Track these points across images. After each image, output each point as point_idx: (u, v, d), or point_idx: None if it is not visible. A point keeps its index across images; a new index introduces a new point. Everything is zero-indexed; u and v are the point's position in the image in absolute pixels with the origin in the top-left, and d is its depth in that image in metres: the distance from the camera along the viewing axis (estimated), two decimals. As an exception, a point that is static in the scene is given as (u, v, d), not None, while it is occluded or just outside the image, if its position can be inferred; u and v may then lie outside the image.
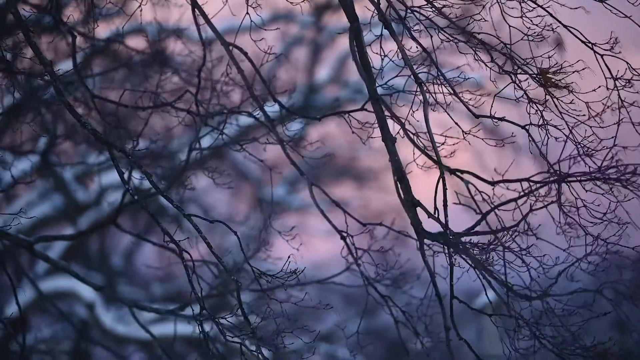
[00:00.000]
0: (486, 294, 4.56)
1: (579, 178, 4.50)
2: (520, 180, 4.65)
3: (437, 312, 4.94)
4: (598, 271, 4.54)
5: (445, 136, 4.89)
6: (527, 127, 4.80)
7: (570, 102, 4.72)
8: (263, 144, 6.05)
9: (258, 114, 5.80)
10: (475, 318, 11.62)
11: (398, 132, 4.89)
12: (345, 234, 5.64)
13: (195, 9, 5.56)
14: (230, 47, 5.66)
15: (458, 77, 4.92)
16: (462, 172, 4.76)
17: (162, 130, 7.59)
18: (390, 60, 4.92)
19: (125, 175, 5.60)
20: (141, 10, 5.66)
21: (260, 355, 4.96)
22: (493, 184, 4.69)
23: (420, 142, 4.91)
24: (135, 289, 10.89)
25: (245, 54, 5.62)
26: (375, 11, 5.00)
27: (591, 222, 4.44)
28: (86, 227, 9.89)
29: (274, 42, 11.42)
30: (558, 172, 4.54)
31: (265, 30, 5.49)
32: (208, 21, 5.54)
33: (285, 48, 11.89)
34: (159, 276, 10.80)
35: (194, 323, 5.97)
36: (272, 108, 5.83)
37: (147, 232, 9.85)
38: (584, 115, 4.64)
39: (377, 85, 4.93)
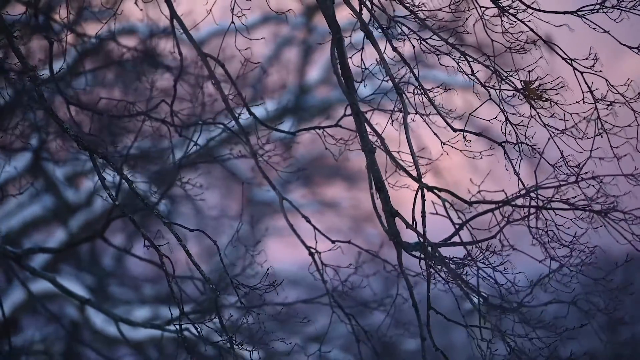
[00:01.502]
0: (458, 306, 4.58)
1: (558, 207, 4.52)
2: (496, 202, 4.66)
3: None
4: (571, 284, 4.56)
5: (421, 155, 4.88)
6: (503, 144, 4.81)
7: (553, 115, 4.73)
8: (236, 158, 6.05)
9: (233, 126, 5.79)
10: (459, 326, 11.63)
11: (376, 141, 4.89)
12: (313, 250, 5.63)
13: (174, 19, 5.55)
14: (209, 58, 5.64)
15: (439, 86, 4.93)
16: (440, 190, 4.77)
17: (151, 132, 7.59)
18: (371, 73, 4.92)
19: (112, 180, 5.61)
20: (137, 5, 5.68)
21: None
22: (470, 204, 4.71)
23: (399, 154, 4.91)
24: (126, 290, 10.89)
25: (222, 65, 5.62)
26: (358, 21, 5.00)
27: (563, 245, 4.46)
28: (76, 231, 9.89)
29: (265, 43, 11.41)
30: (536, 190, 4.55)
31: (250, 39, 5.47)
32: (186, 32, 5.53)
33: (276, 49, 11.89)
34: (150, 277, 10.81)
35: (174, 328, 6.01)
36: (257, 118, 5.82)
37: (136, 236, 9.86)
38: (565, 128, 4.66)
39: (357, 97, 4.93)
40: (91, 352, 9.64)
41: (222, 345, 5.09)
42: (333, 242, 5.67)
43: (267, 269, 4.86)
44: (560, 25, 4.67)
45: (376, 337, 5.81)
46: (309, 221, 5.70)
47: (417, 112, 4.92)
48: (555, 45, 4.68)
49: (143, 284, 10.74)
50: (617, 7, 4.64)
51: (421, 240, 4.64)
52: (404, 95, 4.90)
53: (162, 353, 8.61)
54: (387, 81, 4.98)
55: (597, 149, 4.60)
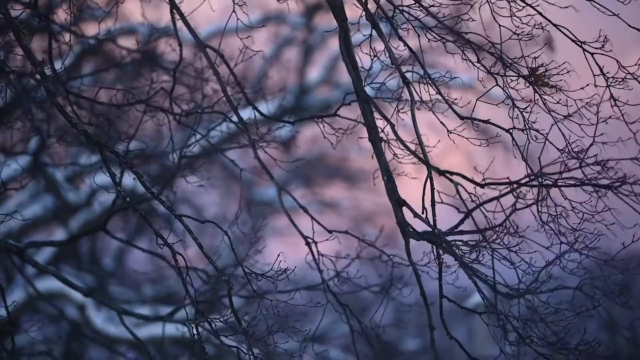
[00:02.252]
0: (480, 293, 4.56)
1: (564, 183, 4.52)
2: (506, 183, 4.66)
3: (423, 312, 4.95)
4: (579, 269, 4.57)
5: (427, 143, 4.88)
6: (510, 130, 4.82)
7: (559, 101, 4.74)
8: (238, 147, 6.05)
9: (232, 116, 5.79)
10: (464, 319, 11.64)
11: (383, 130, 4.89)
12: (310, 240, 5.62)
13: (174, 10, 5.56)
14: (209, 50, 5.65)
15: (444, 76, 4.93)
16: (451, 173, 4.78)
17: (152, 130, 7.60)
18: (380, 60, 4.92)
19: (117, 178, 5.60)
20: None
21: (252, 356, 4.96)
22: (482, 185, 4.70)
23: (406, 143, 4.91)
24: (126, 290, 10.88)
25: (222, 56, 5.62)
26: (364, 12, 5.01)
27: (571, 228, 4.47)
28: (76, 230, 9.88)
29: (265, 43, 11.43)
30: (541, 175, 4.55)
31: (252, 28, 5.48)
32: (186, 23, 5.54)
33: (276, 49, 11.91)
34: (149, 277, 10.80)
35: (182, 326, 5.99)
36: (257, 108, 5.83)
37: (137, 234, 9.84)
38: (569, 114, 4.66)
39: (365, 84, 4.94)
40: (92, 351, 9.63)
41: (236, 339, 5.07)
42: (330, 232, 5.67)
43: (278, 255, 4.84)
44: (567, 7, 4.66)
45: (373, 328, 5.79)
46: (307, 211, 5.70)
47: (422, 101, 4.92)
48: (564, 27, 4.68)
49: (143, 284, 10.73)
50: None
51: (431, 227, 4.63)
52: (410, 84, 4.90)
53: (162, 352, 8.58)
54: (392, 73, 4.98)
55: (601, 134, 4.61)
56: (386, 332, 6.08)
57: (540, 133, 4.70)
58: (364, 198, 13.22)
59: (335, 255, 5.79)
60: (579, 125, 4.64)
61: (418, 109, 4.86)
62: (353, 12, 5.28)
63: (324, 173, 13.06)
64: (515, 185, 4.59)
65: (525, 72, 4.74)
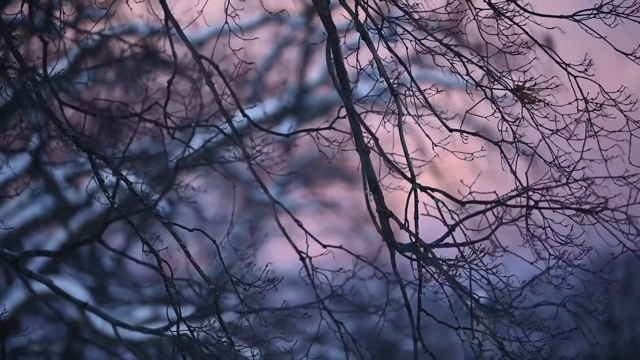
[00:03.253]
0: (451, 308, 4.59)
1: (549, 206, 4.53)
2: (490, 202, 4.67)
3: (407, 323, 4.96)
4: (563, 285, 4.58)
5: (416, 155, 4.89)
6: (499, 143, 4.82)
7: (546, 116, 4.74)
8: (230, 161, 6.06)
9: (226, 129, 5.79)
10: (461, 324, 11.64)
11: (369, 141, 4.90)
12: (304, 255, 5.63)
13: (168, 20, 5.56)
14: (205, 61, 5.65)
15: (430, 88, 4.94)
16: (433, 190, 4.78)
17: (149, 136, 7.60)
18: (366, 73, 4.93)
19: (109, 181, 5.61)
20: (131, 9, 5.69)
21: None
22: (463, 204, 4.72)
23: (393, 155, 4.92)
24: (126, 290, 10.89)
25: (216, 67, 5.62)
26: (353, 22, 5.02)
27: (557, 243, 4.48)
28: (76, 231, 9.89)
29: (265, 44, 11.41)
30: (527, 189, 4.56)
31: (245, 40, 5.48)
32: (180, 33, 5.55)
33: (276, 49, 11.89)
34: (150, 278, 10.81)
35: (172, 335, 6.00)
36: (251, 120, 5.82)
37: (135, 238, 9.86)
38: (556, 129, 4.67)
39: (352, 97, 4.95)
40: (92, 351, 9.66)
41: (222, 346, 5.08)
42: (324, 246, 5.66)
43: (267, 265, 4.85)
44: (553, 28, 4.68)
45: (367, 344, 5.81)
46: (300, 225, 5.69)
47: (409, 114, 4.93)
48: (550, 49, 4.69)
49: (143, 285, 10.74)
50: (614, 12, 4.65)
51: (413, 240, 4.65)
52: (398, 96, 4.91)
53: (161, 354, 8.61)
54: (382, 82, 5.00)
55: (588, 150, 4.63)
56: (382, 340, 6.08)
57: (529, 146, 4.72)
58: (364, 198, 13.18)
59: (331, 271, 5.78)
60: (567, 140, 4.66)
61: (404, 122, 4.86)
62: (341, 20, 5.29)
63: (324, 173, 13.05)
64: (499, 203, 4.59)
65: (512, 85, 4.75)
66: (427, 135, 4.84)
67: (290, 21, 11.54)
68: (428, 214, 4.70)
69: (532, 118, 4.75)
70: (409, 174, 4.87)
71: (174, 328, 5.03)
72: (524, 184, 4.71)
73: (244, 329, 5.34)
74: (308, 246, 5.59)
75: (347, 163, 12.95)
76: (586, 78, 4.61)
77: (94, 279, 10.50)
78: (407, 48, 4.90)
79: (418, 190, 4.76)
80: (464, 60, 4.84)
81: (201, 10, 5.54)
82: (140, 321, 9.45)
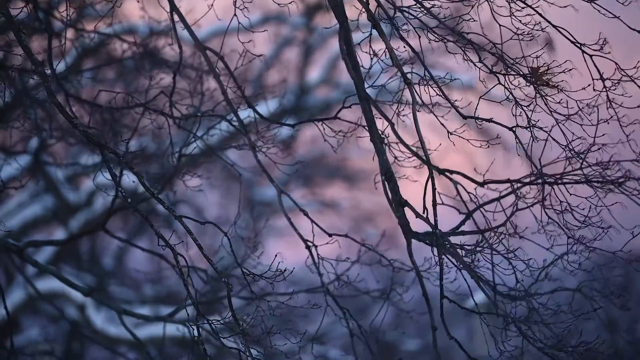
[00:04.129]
0: (471, 296, 4.56)
1: (567, 180, 4.52)
2: (507, 181, 4.66)
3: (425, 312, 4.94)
4: (580, 270, 4.56)
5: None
6: (514, 128, 4.81)
7: (559, 102, 4.73)
8: (237, 149, 6.04)
9: (232, 119, 5.78)
10: (464, 319, 11.64)
11: (384, 131, 4.88)
12: (310, 244, 5.61)
13: (173, 12, 5.55)
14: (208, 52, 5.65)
15: (444, 77, 4.93)
16: (451, 172, 4.77)
17: (152, 130, 7.58)
18: (379, 60, 4.91)
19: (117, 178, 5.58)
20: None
21: (250, 357, 4.95)
22: (482, 184, 4.70)
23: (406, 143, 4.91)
24: (126, 290, 10.87)
25: (222, 58, 5.61)
26: (364, 11, 5.01)
27: (575, 225, 4.46)
28: (76, 230, 9.87)
29: (265, 44, 11.42)
30: (542, 174, 4.55)
31: (253, 32, 5.48)
32: (186, 25, 5.53)
33: (276, 49, 11.90)
34: (149, 277, 10.79)
35: (183, 326, 5.97)
36: (256, 110, 5.82)
37: (137, 234, 9.85)
38: (569, 114, 4.66)
39: (366, 85, 4.93)
40: (92, 351, 9.63)
41: (235, 341, 5.06)
42: (330, 235, 5.65)
43: (275, 255, 4.82)
44: (566, 6, 4.65)
45: (372, 332, 5.79)
46: (306, 215, 5.68)
47: (423, 103, 4.92)
48: (564, 29, 4.68)
49: (143, 284, 10.72)
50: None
51: (432, 227, 4.62)
52: (412, 85, 4.90)
53: (163, 353, 8.57)
54: (386, 71, 4.98)
55: (602, 135, 4.60)
56: (386, 335, 6.07)
57: (544, 130, 4.69)
58: (364, 198, 13.19)
59: (336, 259, 5.77)
60: (580, 125, 4.64)
61: (419, 111, 4.85)
62: (354, 11, 5.28)
63: (324, 173, 13.04)
64: (516, 185, 4.58)
65: (526, 71, 4.73)
66: (442, 124, 4.82)
67: (290, 21, 11.55)
68: (443, 203, 4.68)
69: (545, 104, 4.73)
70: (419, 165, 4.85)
71: (191, 321, 4.99)
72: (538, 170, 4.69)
73: (254, 322, 5.31)
74: (314, 235, 5.57)
75: (347, 163, 12.96)
76: (602, 56, 4.59)
77: (93, 278, 10.47)
78: (419, 37, 4.89)
79: (434, 178, 4.72)
80: (477, 47, 4.82)
81: (211, 5, 5.54)
82: (140, 321, 9.40)
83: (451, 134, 4.88)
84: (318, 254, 5.72)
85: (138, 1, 6.28)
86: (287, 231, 12.00)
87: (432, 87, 4.88)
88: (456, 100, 4.96)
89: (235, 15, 5.35)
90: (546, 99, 4.70)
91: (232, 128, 6.24)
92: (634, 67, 4.54)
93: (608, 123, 4.60)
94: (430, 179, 4.73)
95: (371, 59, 4.92)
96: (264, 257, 6.31)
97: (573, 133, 4.63)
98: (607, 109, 4.57)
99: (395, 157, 4.95)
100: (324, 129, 5.38)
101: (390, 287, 5.95)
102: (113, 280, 10.88)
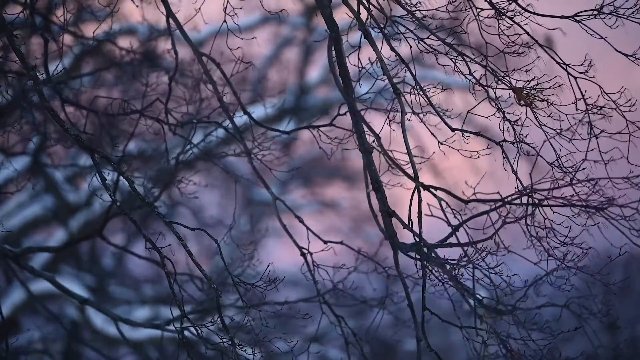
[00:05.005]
0: (454, 308, 4.58)
1: (554, 203, 4.52)
2: (492, 201, 4.66)
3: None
4: (566, 286, 4.56)
5: (417, 154, 4.89)
6: (501, 143, 4.81)
7: (549, 116, 4.73)
8: (231, 155, 6.05)
9: (228, 125, 5.79)
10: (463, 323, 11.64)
11: (373, 141, 4.89)
12: (305, 251, 5.62)
13: (170, 18, 5.56)
14: (204, 57, 5.65)
15: (435, 86, 4.93)
16: (436, 189, 4.77)
17: (150, 132, 7.60)
18: (368, 72, 4.93)
19: (111, 179, 5.60)
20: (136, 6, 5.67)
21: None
22: (466, 202, 4.71)
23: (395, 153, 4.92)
24: (126, 290, 10.89)
25: (218, 64, 5.62)
26: (355, 20, 5.01)
27: (559, 243, 4.46)
28: (76, 231, 9.89)
29: (265, 44, 11.41)
30: (531, 190, 4.55)
31: (242, 39, 5.48)
32: (182, 30, 5.54)
33: (276, 49, 11.88)
34: (149, 277, 10.82)
35: (172, 332, 5.98)
36: (253, 114, 5.83)
37: (136, 236, 9.84)
38: (560, 129, 4.66)
39: (355, 96, 4.94)
40: (91, 352, 9.65)
41: (223, 346, 5.08)
42: (325, 242, 5.66)
43: (268, 265, 4.84)
44: (554, 29, 4.67)
45: (367, 339, 5.81)
46: (301, 221, 5.70)
47: (414, 112, 4.92)
48: (550, 49, 4.69)
49: (143, 284, 10.74)
50: (614, 13, 4.64)
51: (417, 240, 4.63)
52: (401, 95, 4.90)
53: (162, 353, 8.60)
54: (383, 80, 4.99)
55: (592, 150, 4.61)
56: (382, 339, 6.08)
57: (531, 146, 4.70)
58: (363, 198, 13.17)
59: (332, 266, 5.78)
60: (570, 141, 4.64)
61: (409, 120, 4.86)
62: (345, 19, 5.28)
63: (323, 173, 13.04)
64: (502, 201, 4.58)
65: (517, 84, 4.74)
66: (432, 134, 4.83)
67: (290, 21, 11.54)
68: (432, 215, 4.69)
69: (535, 118, 4.73)
70: (411, 172, 4.86)
71: (176, 324, 5.01)
72: (526, 185, 4.69)
73: (245, 328, 5.33)
74: (309, 242, 5.59)
75: (347, 163, 12.95)
76: (586, 79, 4.60)
77: (93, 279, 10.49)
78: (410, 47, 4.89)
79: (421, 190, 4.73)
80: (467, 59, 4.82)
81: (199, 8, 5.54)
82: (140, 321, 9.43)
83: (441, 143, 4.89)
84: (313, 261, 5.72)
85: (137, 6, 6.29)
86: (284, 233, 11.96)
87: (422, 97, 4.88)
88: (446, 110, 4.96)
89: (224, 21, 5.36)
90: (535, 113, 4.71)
91: (227, 133, 6.25)
92: (618, 92, 4.55)
93: (596, 139, 4.60)
94: (416, 191, 4.73)
95: (359, 70, 4.93)
96: (261, 260, 6.33)
97: (562, 147, 4.64)
98: (588, 133, 4.58)
99: (390, 166, 4.95)
100: (319, 135, 5.40)
101: (385, 295, 5.97)
102: (113, 280, 10.90)
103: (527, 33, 4.68)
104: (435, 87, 4.93)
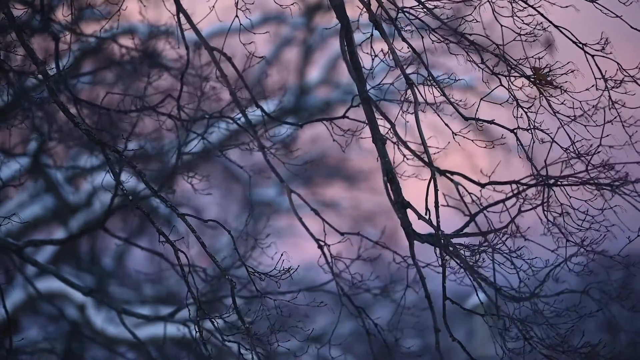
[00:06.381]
0: (477, 296, 4.56)
1: (567, 182, 4.51)
2: (509, 183, 4.66)
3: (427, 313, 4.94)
4: (585, 272, 4.55)
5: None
6: (515, 130, 4.80)
7: (562, 103, 4.73)
8: (244, 149, 6.05)
9: (240, 119, 5.78)
10: (465, 320, 11.64)
11: (387, 132, 4.88)
12: (322, 243, 5.61)
13: (180, 14, 5.55)
14: (215, 52, 5.64)
15: (448, 78, 4.92)
16: (452, 173, 4.77)
17: (152, 131, 7.59)
18: (381, 60, 4.91)
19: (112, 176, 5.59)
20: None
21: (254, 354, 4.95)
22: (482, 185, 4.70)
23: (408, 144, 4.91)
24: (126, 290, 10.87)
25: (229, 59, 5.61)
26: (366, 11, 5.00)
27: (577, 227, 4.46)
28: (75, 230, 9.87)
29: (265, 44, 11.44)
30: (545, 176, 4.55)
31: (255, 34, 5.48)
32: (193, 26, 5.53)
33: (276, 49, 11.90)
34: (149, 277, 10.79)
35: (184, 326, 5.97)
36: (257, 112, 5.82)
37: (137, 235, 9.84)
38: (574, 116, 4.65)
39: (367, 86, 4.93)
40: (92, 351, 9.63)
41: (240, 337, 5.06)
42: (342, 234, 5.66)
43: (282, 254, 4.82)
44: (567, 7, 4.65)
45: (389, 332, 5.79)
46: (317, 214, 5.69)
47: (426, 103, 4.92)
48: (566, 29, 4.68)
49: (143, 284, 10.72)
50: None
51: (435, 229, 4.62)
52: (414, 86, 4.89)
53: (162, 353, 8.57)
54: (393, 69, 4.97)
55: (607, 136, 4.60)
56: (402, 335, 6.06)
57: (546, 133, 4.70)
58: (364, 198, 13.21)
59: (349, 258, 5.78)
60: (585, 126, 4.63)
61: (422, 111, 4.85)
62: (355, 11, 5.28)
63: (324, 173, 13.05)
64: (518, 186, 4.57)
65: (528, 72, 4.73)
66: (446, 124, 4.82)
67: (290, 21, 11.55)
68: (448, 205, 4.68)
69: (549, 105, 4.72)
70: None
71: (192, 319, 4.98)
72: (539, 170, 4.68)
73: (258, 320, 5.31)
74: (326, 234, 5.59)
75: (347, 163, 12.97)
76: (604, 56, 4.58)
77: (93, 279, 10.47)
78: (422, 37, 4.89)
79: (436, 179, 4.72)
80: (479, 48, 4.82)
81: (213, 6, 5.53)
82: (140, 321, 9.40)
83: (456, 134, 4.87)
84: (331, 253, 5.72)
85: (145, 6, 6.28)
86: (286, 232, 11.99)
87: (435, 88, 4.87)
88: (460, 101, 4.95)
89: (237, 16, 5.35)
90: (549, 100, 4.70)
91: (233, 127, 6.25)
92: (636, 67, 4.54)
93: (612, 124, 4.59)
94: (432, 180, 4.72)
95: (372, 59, 4.92)
96: (264, 257, 6.31)
97: (576, 133, 4.63)
98: (610, 109, 4.56)
99: (404, 156, 4.95)
100: (332, 128, 5.39)
101: (406, 285, 5.93)
102: (113, 280, 10.88)
103: (541, 14, 4.67)
104: (449, 78, 4.92)
